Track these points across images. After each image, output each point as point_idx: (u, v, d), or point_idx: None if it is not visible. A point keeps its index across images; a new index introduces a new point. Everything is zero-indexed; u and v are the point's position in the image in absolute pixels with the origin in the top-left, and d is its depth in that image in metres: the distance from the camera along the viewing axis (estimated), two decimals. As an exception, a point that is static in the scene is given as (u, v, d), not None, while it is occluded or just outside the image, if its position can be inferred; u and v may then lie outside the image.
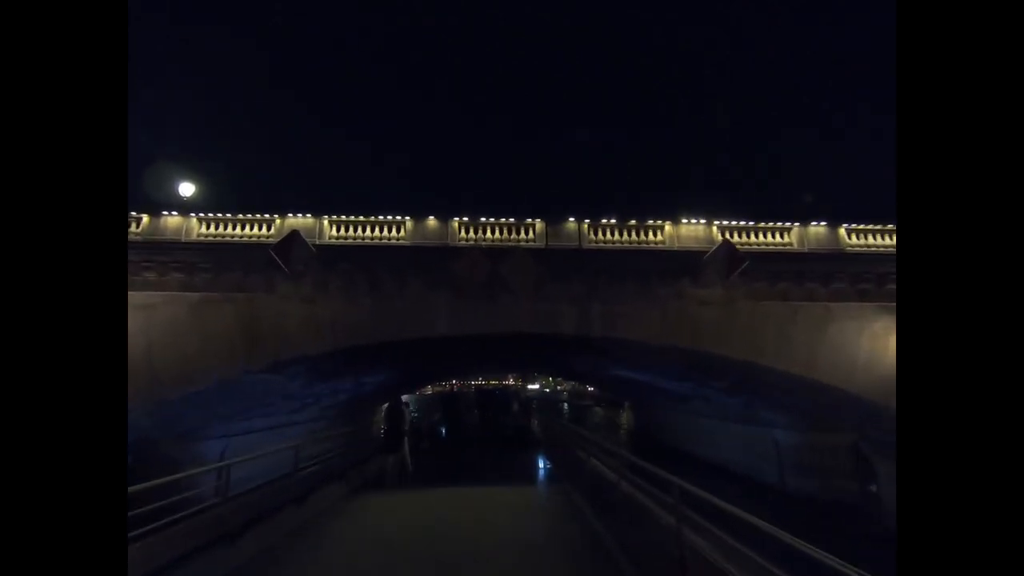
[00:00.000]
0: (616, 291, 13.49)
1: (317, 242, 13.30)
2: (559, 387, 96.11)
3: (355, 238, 13.72)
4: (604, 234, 14.03)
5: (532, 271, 12.56)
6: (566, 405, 70.74)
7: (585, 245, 13.74)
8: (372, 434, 26.03)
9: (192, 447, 13.89)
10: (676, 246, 13.91)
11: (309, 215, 13.60)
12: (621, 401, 43.83)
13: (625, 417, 39.26)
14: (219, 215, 13.50)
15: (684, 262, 13.54)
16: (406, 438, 12.88)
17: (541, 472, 13.68)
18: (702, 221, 14.08)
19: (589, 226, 14.02)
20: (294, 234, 12.43)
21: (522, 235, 13.95)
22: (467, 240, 13.76)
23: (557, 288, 13.45)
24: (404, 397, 14.76)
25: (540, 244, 13.67)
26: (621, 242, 13.97)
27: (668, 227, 14.12)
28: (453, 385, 71.67)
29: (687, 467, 20.47)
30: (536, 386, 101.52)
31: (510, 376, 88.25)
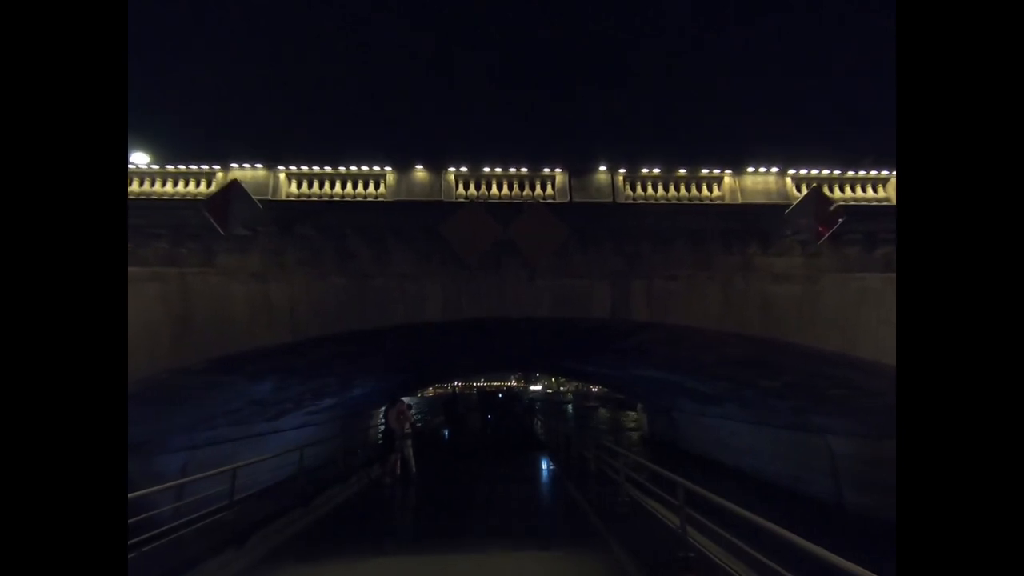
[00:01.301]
0: (663, 262, 10.25)
1: (271, 198, 10.14)
2: (562, 388, 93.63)
3: (321, 196, 10.54)
4: (645, 188, 10.76)
5: (552, 234, 9.34)
6: (570, 407, 68.40)
7: (621, 202, 10.47)
8: (369, 440, 23.44)
9: (147, 461, 11.02)
10: (740, 202, 10.63)
11: (260, 165, 10.42)
12: (632, 403, 40.95)
13: (638, 420, 36.34)
14: (142, 168, 10.36)
15: (751, 223, 10.25)
16: (410, 441, 10.92)
17: (552, 487, 10.77)
18: (773, 169, 10.77)
19: (625, 178, 10.73)
20: (233, 185, 9.25)
21: (538, 191, 10.71)
22: (467, 198, 10.55)
23: (585, 259, 10.24)
24: (406, 400, 12.78)
25: (563, 201, 10.42)
26: (667, 198, 10.69)
27: (728, 178, 10.82)
28: (455, 387, 70.00)
29: (717, 478, 17.25)
30: (538, 387, 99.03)
31: (512, 377, 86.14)
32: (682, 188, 10.77)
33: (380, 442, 20.47)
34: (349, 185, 10.63)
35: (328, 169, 10.58)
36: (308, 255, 10.11)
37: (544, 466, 13.26)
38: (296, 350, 10.66)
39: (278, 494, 8.38)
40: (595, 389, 72.49)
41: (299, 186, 10.61)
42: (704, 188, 10.77)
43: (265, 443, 14.94)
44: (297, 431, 17.57)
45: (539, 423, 25.39)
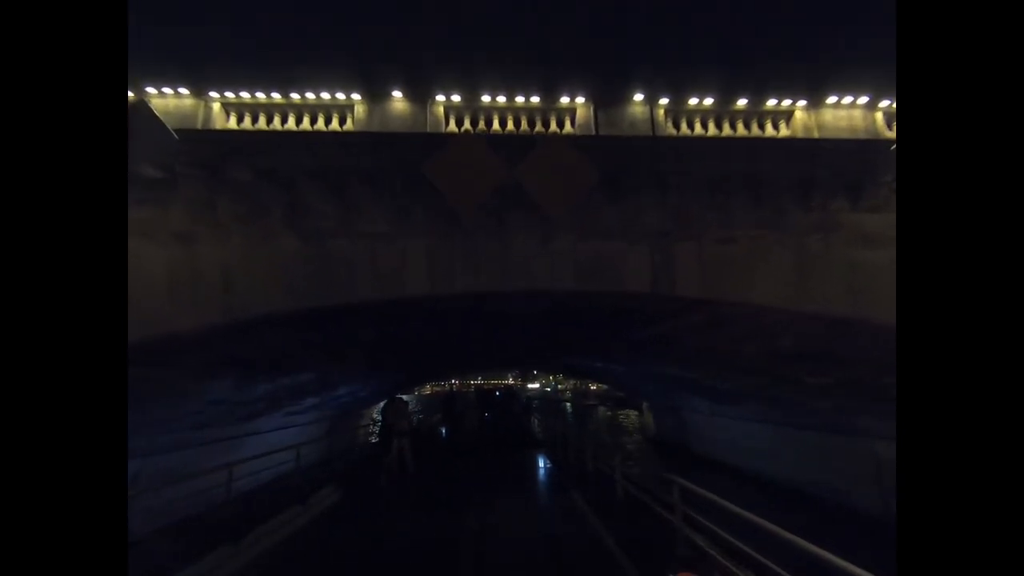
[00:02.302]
0: (718, 219, 7.79)
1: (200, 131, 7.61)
2: (560, 386, 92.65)
3: (267, 132, 8.01)
4: (693, 125, 8.27)
5: (576, 176, 6.86)
6: (569, 406, 67.11)
7: (662, 141, 7.99)
8: (359, 440, 21.82)
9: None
10: (818, 138, 8.16)
11: (185, 91, 7.87)
12: (633, 401, 39.22)
13: (642, 420, 34.34)
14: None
15: (835, 167, 7.80)
16: (408, 439, 10.34)
17: (551, 487, 9.85)
18: (861, 100, 8.28)
19: (667, 112, 8.25)
20: (138, 108, 6.69)
21: (553, 127, 8.21)
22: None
23: (617, 214, 7.76)
24: (404, 397, 12.75)
25: (587, 135, 7.93)
26: (721, 138, 8.21)
27: (800, 113, 8.34)
28: (453, 386, 68.95)
29: (735, 484, 15.68)
30: (536, 385, 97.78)
31: (510, 375, 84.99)
32: (740, 126, 8.28)
33: (375, 441, 18.71)
34: (306, 120, 8.09)
35: (277, 97, 8.03)
36: (248, 208, 7.58)
37: (541, 464, 12.46)
38: (241, 335, 8.20)
39: (244, 507, 7.15)
40: (594, 387, 70.75)
41: (240, 120, 8.07)
42: (769, 125, 8.30)
43: (241, 446, 12.97)
44: (279, 433, 15.53)
45: (537, 422, 24.07)
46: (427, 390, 76.02)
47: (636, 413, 39.98)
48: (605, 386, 54.61)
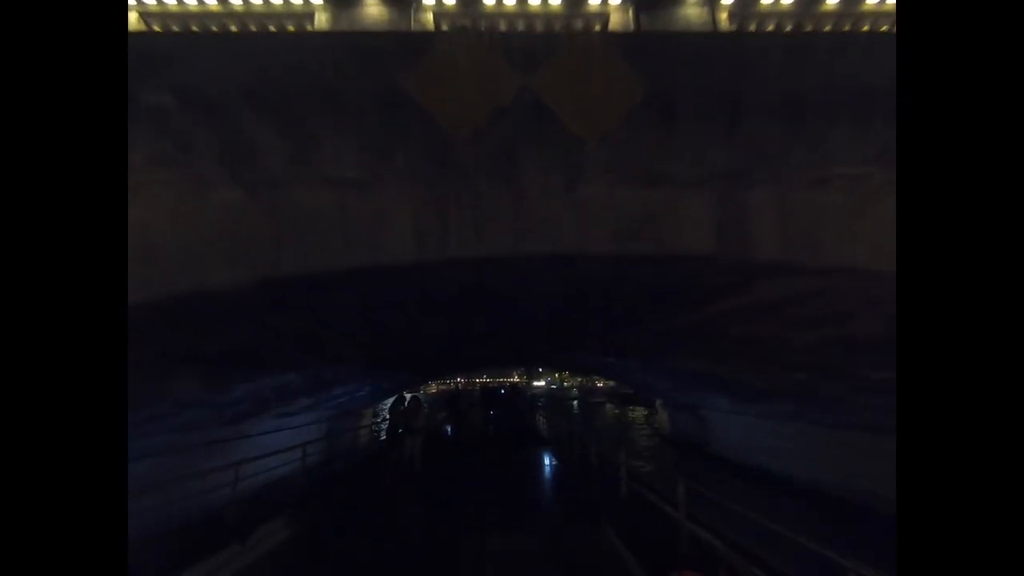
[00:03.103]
0: (806, 153, 5.75)
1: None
2: (566, 383, 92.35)
3: (193, 36, 6.05)
4: (765, 23, 6.21)
5: (616, 87, 4.85)
6: (575, 403, 66.14)
7: (730, 39, 5.90)
8: (359, 442, 20.66)
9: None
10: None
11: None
12: (642, 398, 37.88)
13: (654, 418, 32.85)
14: None
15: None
16: (420, 437, 10.39)
17: (556, 486, 9.67)
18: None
19: (731, 14, 6.19)
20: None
21: (578, 26, 6.19)
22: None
23: (667, 148, 5.75)
24: (418, 395, 12.59)
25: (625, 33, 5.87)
26: (808, 33, 6.13)
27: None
28: (458, 384, 69.04)
29: (770, 492, 14.72)
30: (542, 383, 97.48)
31: (515, 373, 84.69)
32: (828, 22, 6.18)
33: (382, 440, 18.25)
34: (250, 24, 6.11)
35: (213, 4, 6.05)
36: (170, 148, 5.63)
37: (547, 462, 12.33)
38: (183, 321, 6.36)
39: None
40: (600, 384, 69.46)
41: (164, 25, 6.10)
42: (865, 22, 6.18)
43: (231, 450, 12.11)
44: (273, 435, 14.17)
45: (542, 420, 22.90)
46: (432, 389, 76.89)
47: (646, 411, 38.55)
48: (612, 382, 52.90)
